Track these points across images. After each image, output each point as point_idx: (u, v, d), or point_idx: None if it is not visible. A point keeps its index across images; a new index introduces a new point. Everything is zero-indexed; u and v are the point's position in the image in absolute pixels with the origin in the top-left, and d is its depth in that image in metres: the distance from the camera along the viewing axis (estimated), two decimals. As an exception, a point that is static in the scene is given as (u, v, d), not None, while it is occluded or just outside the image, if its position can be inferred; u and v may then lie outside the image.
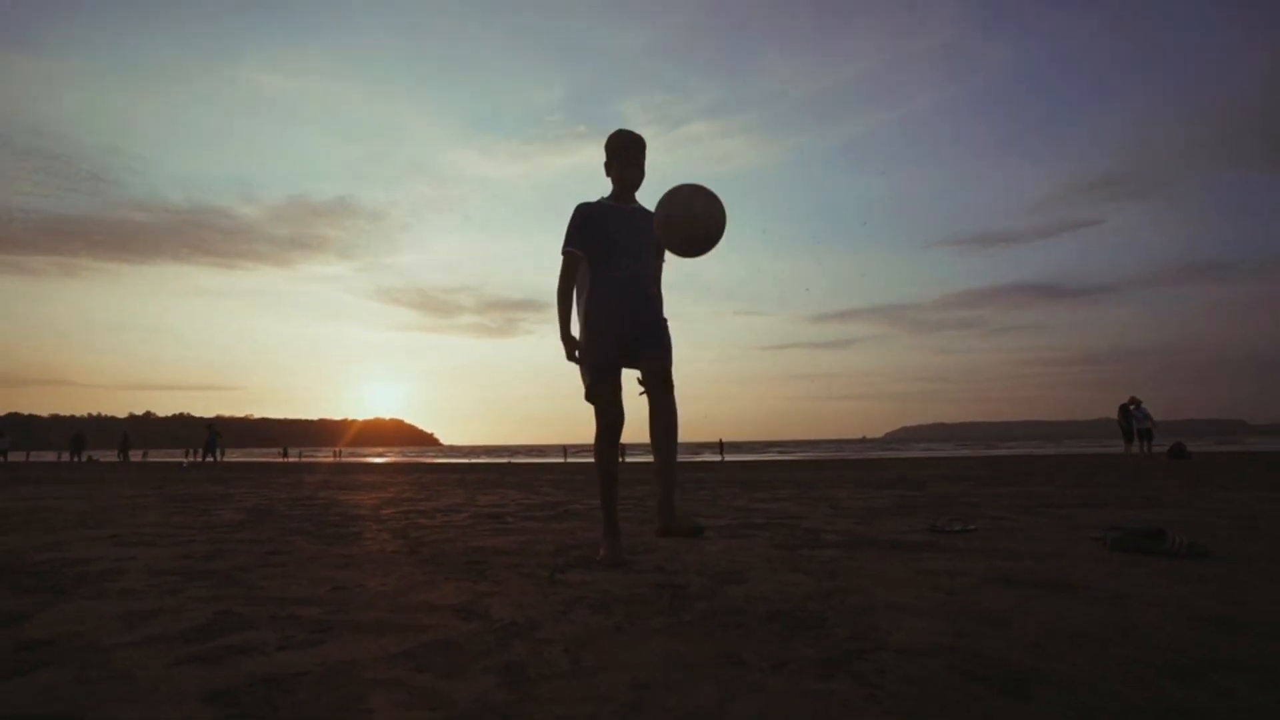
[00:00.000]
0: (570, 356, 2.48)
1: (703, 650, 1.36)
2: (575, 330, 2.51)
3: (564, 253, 2.50)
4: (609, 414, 2.44)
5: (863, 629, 1.52)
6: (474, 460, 33.95)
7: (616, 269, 2.48)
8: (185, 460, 24.46)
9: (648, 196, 2.67)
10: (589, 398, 2.46)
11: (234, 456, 42.49)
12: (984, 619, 1.59)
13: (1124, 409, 15.02)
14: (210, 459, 22.86)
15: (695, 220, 2.18)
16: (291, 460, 32.31)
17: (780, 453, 45.25)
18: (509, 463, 26.42)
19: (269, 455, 46.98)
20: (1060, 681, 1.18)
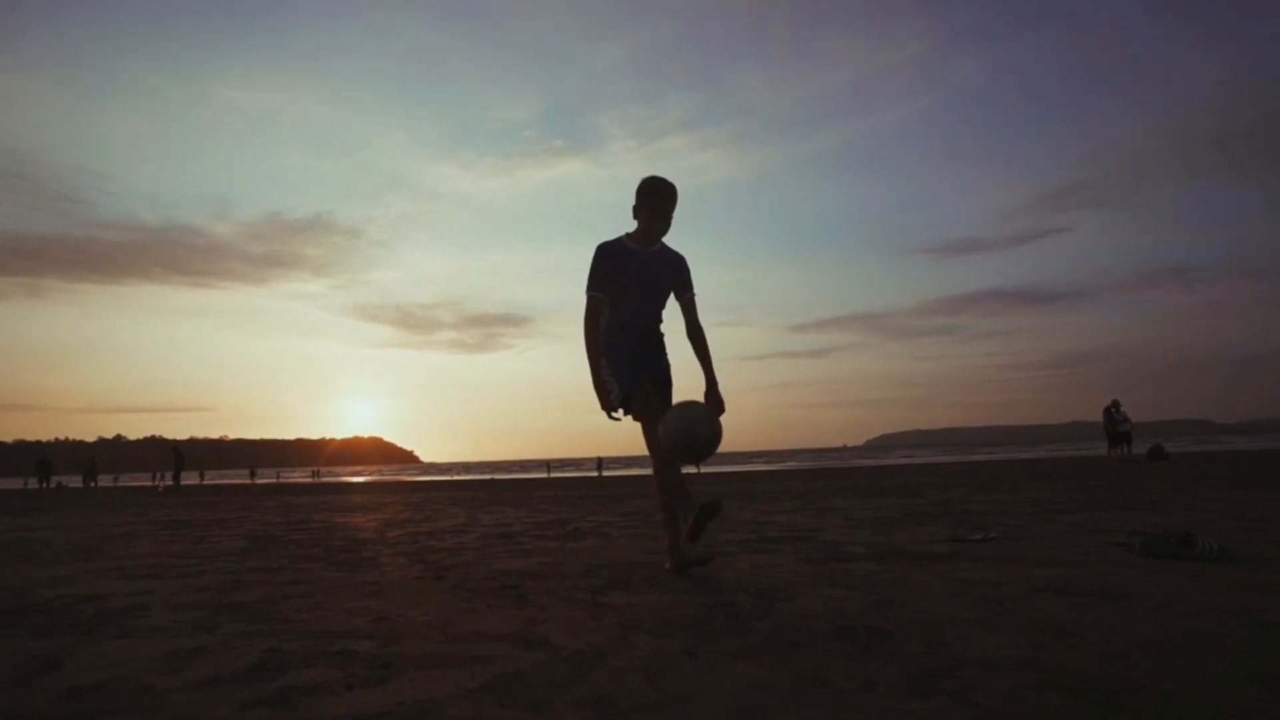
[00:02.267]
0: (605, 406, 2.60)
1: (786, 673, 1.34)
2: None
3: (588, 295, 2.62)
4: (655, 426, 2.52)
5: (933, 644, 1.50)
6: (457, 477, 33.54)
7: (626, 310, 2.63)
8: (159, 485, 23.84)
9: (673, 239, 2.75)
10: (634, 415, 2.62)
11: (211, 480, 41.43)
12: (1049, 631, 1.59)
13: (1107, 411, 15.32)
14: (175, 483, 22.24)
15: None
16: (266, 482, 31.54)
17: (766, 462, 45.41)
18: (492, 479, 26.16)
19: (240, 478, 45.81)
20: (1154, 693, 1.17)
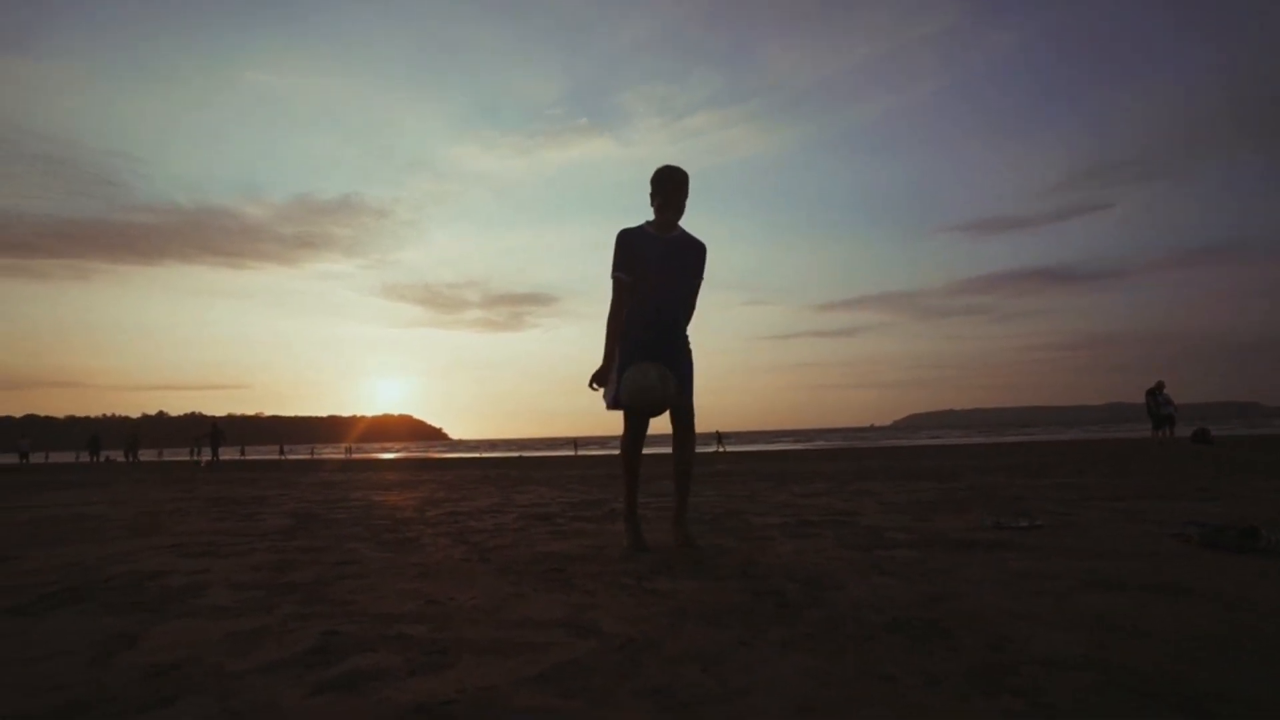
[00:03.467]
0: (596, 378, 2.72)
1: (845, 666, 1.33)
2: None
3: (613, 278, 2.74)
4: (637, 427, 2.78)
5: (993, 639, 1.48)
6: (486, 455, 34.05)
7: (646, 298, 2.70)
8: (202, 460, 24.72)
9: (689, 220, 2.89)
10: (622, 409, 2.72)
11: (251, 455, 42.80)
12: (1113, 627, 1.55)
13: (1151, 393, 14.88)
14: (214, 459, 23.16)
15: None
16: (299, 458, 32.46)
17: (794, 441, 45.20)
18: (521, 457, 26.49)
19: (272, 453, 47.30)
20: (1237, 699, 1.14)
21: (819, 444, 39.02)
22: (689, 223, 2.85)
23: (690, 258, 2.77)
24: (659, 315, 2.71)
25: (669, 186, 2.70)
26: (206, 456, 25.11)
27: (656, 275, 2.69)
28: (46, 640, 1.68)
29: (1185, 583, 1.96)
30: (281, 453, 43.83)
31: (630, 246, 2.70)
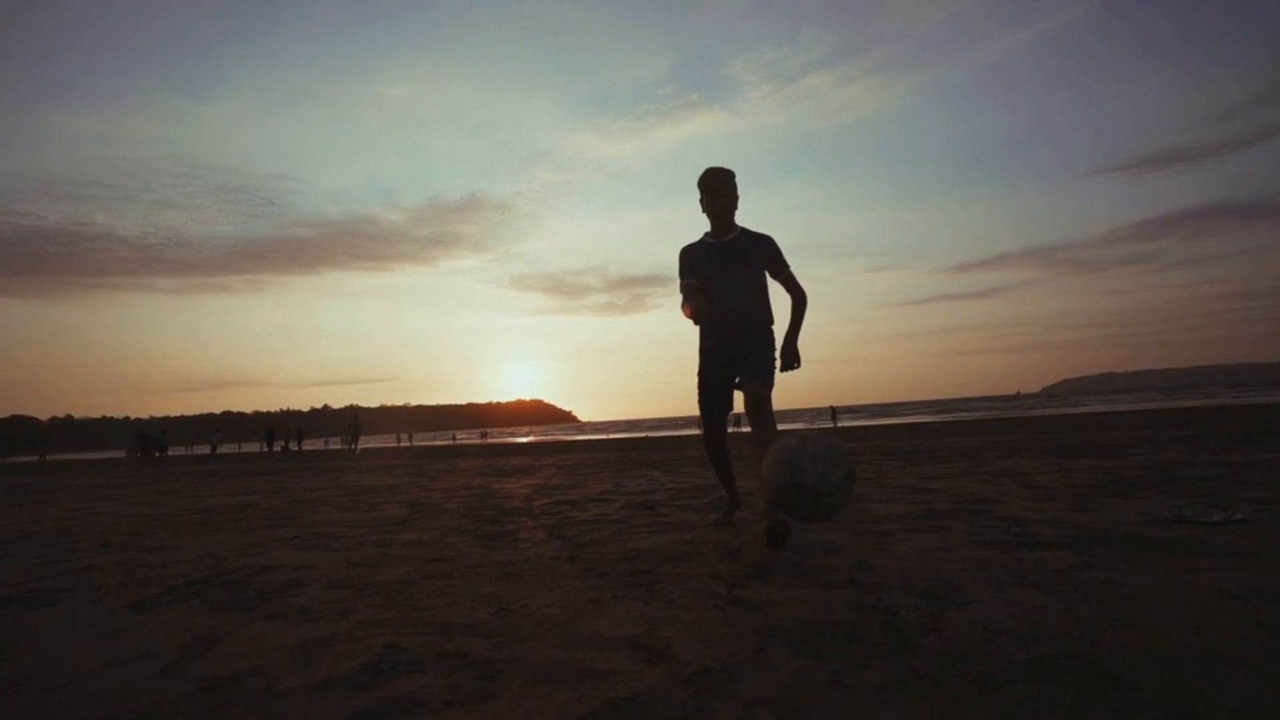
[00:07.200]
0: (696, 316, 2.71)
1: (966, 729, 1.03)
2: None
3: (682, 284, 2.85)
4: (714, 427, 2.98)
5: (1181, 692, 1.11)
6: (612, 436, 34.87)
7: (715, 301, 2.76)
8: (354, 447, 27.52)
9: (744, 216, 2.64)
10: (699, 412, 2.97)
11: (403, 443, 47.02)
12: (1371, 682, 1.12)
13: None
14: (353, 446, 26.34)
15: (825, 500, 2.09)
16: (443, 444, 35.16)
17: (930, 413, 42.38)
18: (645, 438, 26.83)
19: (425, 440, 51.80)
20: None
21: (959, 415, 36.22)
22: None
23: (754, 254, 2.82)
24: (728, 316, 2.79)
25: (709, 183, 2.80)
26: (349, 445, 28.40)
27: (720, 277, 2.80)
28: (143, 640, 1.74)
29: None
30: (410, 440, 48.22)
31: (689, 258, 2.87)
